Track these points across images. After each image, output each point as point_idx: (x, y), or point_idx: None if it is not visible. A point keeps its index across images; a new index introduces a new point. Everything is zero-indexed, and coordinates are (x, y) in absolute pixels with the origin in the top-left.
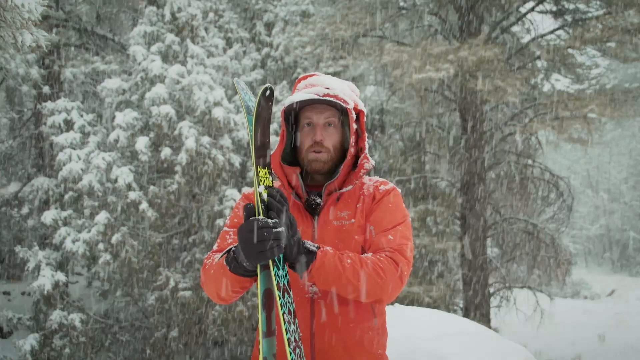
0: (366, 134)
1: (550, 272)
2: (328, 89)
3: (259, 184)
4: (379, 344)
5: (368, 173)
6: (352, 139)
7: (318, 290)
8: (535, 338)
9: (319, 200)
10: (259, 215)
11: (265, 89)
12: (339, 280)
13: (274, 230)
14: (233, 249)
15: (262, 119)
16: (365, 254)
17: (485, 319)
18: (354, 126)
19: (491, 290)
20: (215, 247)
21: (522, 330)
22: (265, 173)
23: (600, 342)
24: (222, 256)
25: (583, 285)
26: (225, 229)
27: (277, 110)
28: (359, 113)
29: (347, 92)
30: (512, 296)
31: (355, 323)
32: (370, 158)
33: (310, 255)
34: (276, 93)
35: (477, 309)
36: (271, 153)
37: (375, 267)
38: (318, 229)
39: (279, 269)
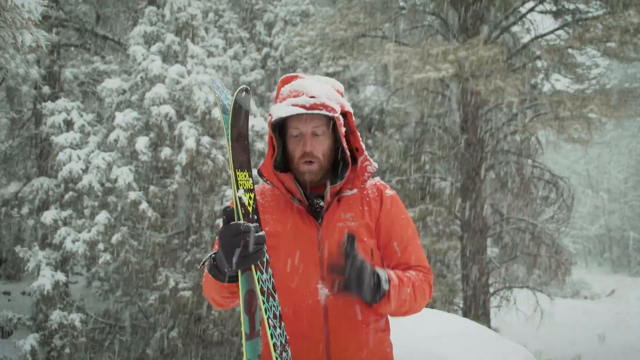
0: (358, 133)
1: (550, 272)
2: (313, 97)
3: (237, 188)
4: (387, 343)
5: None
6: (344, 143)
7: (330, 294)
8: (535, 338)
9: (322, 204)
10: (238, 219)
11: (241, 90)
12: (399, 309)
13: (256, 234)
14: (214, 255)
15: (239, 121)
16: (408, 272)
17: (485, 319)
18: (343, 130)
19: (491, 290)
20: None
21: (522, 330)
22: (245, 176)
23: (600, 342)
24: (202, 264)
25: (583, 285)
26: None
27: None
28: (346, 114)
29: (333, 96)
30: (512, 296)
31: (367, 324)
32: (371, 160)
33: (382, 292)
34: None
35: (477, 309)
36: (262, 163)
37: (422, 291)
38: (323, 232)
39: (262, 273)
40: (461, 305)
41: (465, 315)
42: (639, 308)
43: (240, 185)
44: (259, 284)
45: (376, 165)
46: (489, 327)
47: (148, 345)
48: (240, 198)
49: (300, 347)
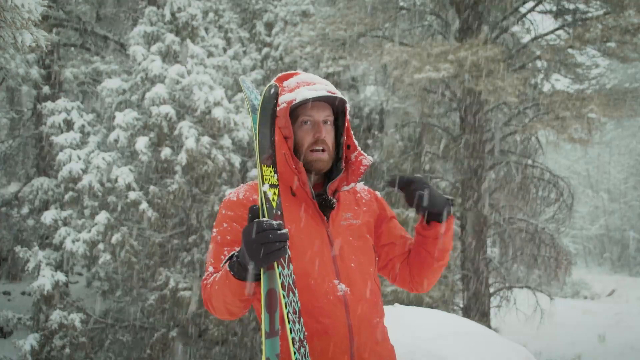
0: (352, 132)
1: (550, 272)
2: (326, 85)
3: (263, 183)
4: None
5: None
6: (345, 136)
7: (348, 289)
8: (535, 338)
9: (333, 201)
10: (263, 214)
11: (271, 87)
12: (449, 244)
13: (279, 232)
14: (235, 254)
15: (267, 118)
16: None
17: (485, 319)
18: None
19: (491, 290)
20: (210, 269)
21: (522, 330)
22: (270, 171)
23: (600, 342)
24: (224, 263)
25: (583, 285)
26: (215, 247)
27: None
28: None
29: (337, 90)
30: (512, 296)
31: (379, 318)
32: (365, 154)
33: (449, 207)
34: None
35: (477, 309)
36: (282, 150)
37: None
38: (332, 229)
39: (284, 268)
40: (461, 305)
41: (465, 315)
42: (639, 308)
43: (265, 180)
44: (280, 278)
45: (371, 158)
46: (489, 327)
47: (148, 345)
48: (265, 193)
49: (325, 343)
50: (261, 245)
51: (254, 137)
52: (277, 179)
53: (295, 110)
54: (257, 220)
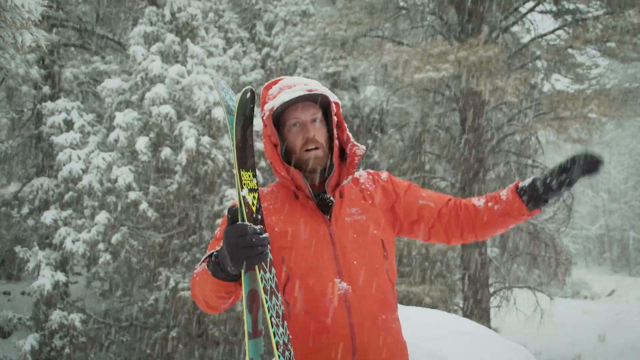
0: (345, 124)
1: (550, 272)
2: (306, 85)
3: (242, 187)
4: (402, 333)
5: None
6: (336, 131)
7: (349, 288)
8: (535, 338)
9: (331, 199)
10: (242, 218)
11: (246, 91)
12: None
13: (261, 236)
14: (215, 253)
15: (244, 121)
16: (468, 202)
17: (485, 319)
18: (335, 118)
19: (491, 290)
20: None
21: (522, 330)
22: (249, 176)
23: (600, 342)
24: (203, 261)
25: (583, 285)
26: (213, 242)
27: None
28: (334, 105)
29: (321, 87)
30: (512, 296)
31: (387, 314)
32: (358, 144)
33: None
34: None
35: (477, 309)
36: (269, 160)
37: None
38: (334, 228)
39: (265, 272)
40: (461, 305)
41: (465, 315)
42: (639, 308)
43: (244, 185)
44: (262, 282)
45: (364, 147)
46: (489, 327)
47: (148, 345)
48: (244, 197)
49: (327, 342)
50: (242, 249)
51: (230, 142)
52: (256, 183)
53: (282, 116)
54: (239, 223)
